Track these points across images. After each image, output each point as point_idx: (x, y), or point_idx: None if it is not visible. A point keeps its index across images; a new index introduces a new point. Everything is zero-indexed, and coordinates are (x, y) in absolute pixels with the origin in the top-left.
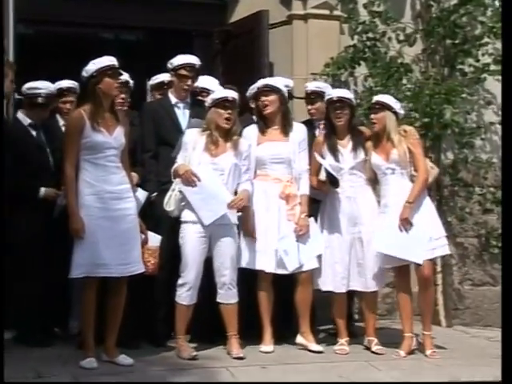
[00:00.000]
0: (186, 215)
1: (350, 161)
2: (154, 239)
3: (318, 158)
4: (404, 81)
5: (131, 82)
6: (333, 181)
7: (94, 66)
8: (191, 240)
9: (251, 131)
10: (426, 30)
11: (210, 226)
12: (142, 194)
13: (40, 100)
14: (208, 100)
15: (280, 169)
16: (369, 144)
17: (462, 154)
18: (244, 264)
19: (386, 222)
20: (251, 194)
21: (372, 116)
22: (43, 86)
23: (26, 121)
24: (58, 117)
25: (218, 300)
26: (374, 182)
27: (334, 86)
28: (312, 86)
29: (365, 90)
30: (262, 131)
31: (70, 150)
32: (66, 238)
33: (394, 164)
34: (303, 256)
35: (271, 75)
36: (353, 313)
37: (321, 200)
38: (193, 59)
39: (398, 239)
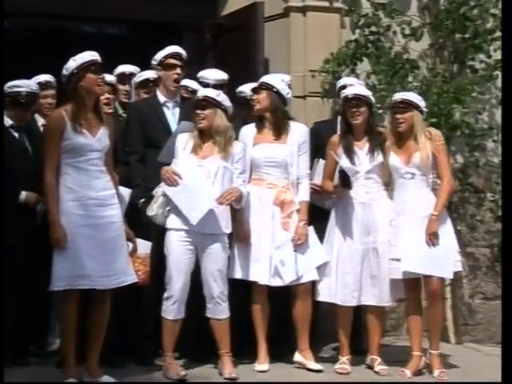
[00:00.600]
0: (170, 221)
1: (367, 164)
2: (144, 246)
3: (336, 157)
4: (410, 78)
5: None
6: (346, 183)
7: (74, 62)
8: (175, 249)
9: (248, 131)
10: (434, 24)
11: (196, 234)
12: (125, 193)
13: (21, 99)
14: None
15: (275, 173)
16: (388, 143)
17: (472, 157)
18: (236, 274)
19: (404, 233)
20: (245, 196)
21: (398, 116)
22: (24, 85)
23: (8, 122)
24: (37, 116)
25: (207, 315)
26: (386, 186)
27: (334, 84)
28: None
29: (368, 88)
30: (259, 130)
31: (50, 154)
32: (48, 247)
33: (414, 168)
34: (301, 267)
35: (266, 72)
36: (361, 328)
37: (324, 207)
38: (178, 49)
39: (425, 255)
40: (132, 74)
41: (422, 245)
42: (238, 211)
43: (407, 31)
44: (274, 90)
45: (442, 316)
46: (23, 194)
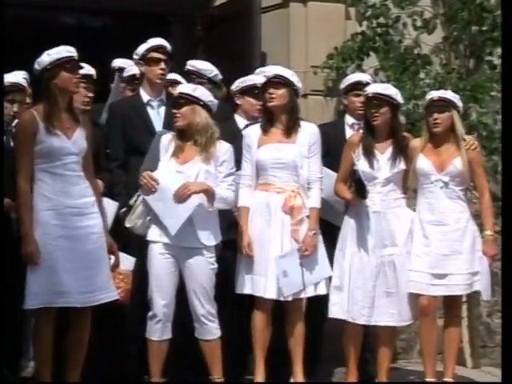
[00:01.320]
0: (151, 233)
1: (387, 170)
2: (127, 262)
3: (355, 159)
4: (421, 75)
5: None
6: (361, 192)
7: (48, 57)
8: (157, 263)
9: (253, 131)
10: (448, 15)
11: (176, 248)
12: (110, 206)
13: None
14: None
15: (283, 176)
16: (416, 144)
17: (490, 161)
18: (242, 289)
19: (440, 247)
20: (220, 196)
21: (436, 115)
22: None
23: None
24: None
25: (196, 335)
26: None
27: (338, 82)
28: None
29: None
30: (265, 131)
31: (23, 159)
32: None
33: (448, 177)
34: (306, 280)
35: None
36: (371, 350)
37: (337, 224)
38: (162, 41)
39: (466, 273)
40: (91, 76)
41: (487, 269)
42: (239, 221)
43: (418, 23)
44: (294, 87)
45: (459, 337)
46: None
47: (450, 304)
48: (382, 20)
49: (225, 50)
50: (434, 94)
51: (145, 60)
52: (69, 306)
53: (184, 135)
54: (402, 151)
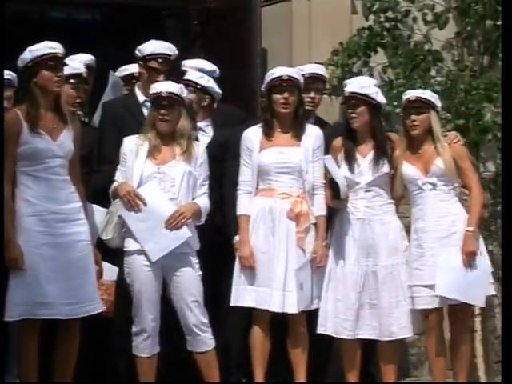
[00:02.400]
0: (130, 244)
1: (369, 174)
2: (110, 272)
3: (328, 163)
4: (433, 72)
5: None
6: (334, 190)
7: (29, 54)
8: (140, 276)
9: (253, 134)
10: (461, 8)
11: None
12: (99, 213)
13: None
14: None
15: (288, 181)
16: (398, 152)
17: None
18: (239, 302)
19: (433, 253)
20: (205, 210)
21: (413, 117)
22: None
23: None
24: None
25: (188, 348)
26: (399, 200)
27: (344, 79)
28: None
29: (383, 83)
30: (268, 134)
31: (6, 161)
32: (2, 270)
33: (435, 178)
34: (314, 292)
35: (264, 64)
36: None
37: None
38: (167, 48)
39: (462, 278)
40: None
41: (457, 266)
42: (239, 229)
43: (429, 17)
44: (301, 87)
45: (471, 352)
46: None
47: (455, 315)
48: (390, 14)
49: (223, 46)
50: (411, 95)
51: (145, 64)
52: (52, 318)
53: (164, 137)
54: (384, 154)
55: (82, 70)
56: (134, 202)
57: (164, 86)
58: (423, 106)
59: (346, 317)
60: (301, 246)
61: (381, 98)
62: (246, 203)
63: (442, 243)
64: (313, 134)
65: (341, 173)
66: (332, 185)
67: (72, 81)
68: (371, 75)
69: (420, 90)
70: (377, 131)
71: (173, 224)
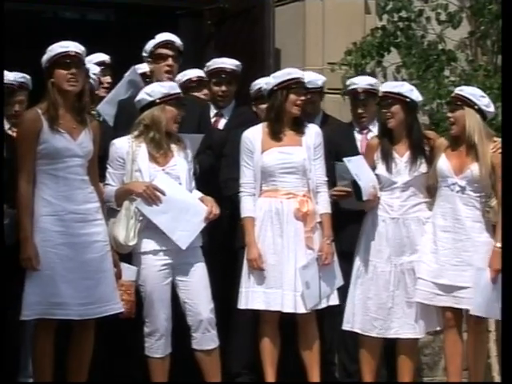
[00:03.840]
0: (145, 244)
1: (406, 174)
2: (129, 272)
3: (350, 165)
4: (446, 72)
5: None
6: (357, 195)
7: (46, 55)
8: (153, 276)
9: (255, 134)
10: (475, 8)
11: (173, 252)
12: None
13: None
14: (152, 93)
15: (293, 181)
16: (440, 143)
17: None
18: (247, 304)
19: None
20: None
21: (449, 114)
22: None
23: None
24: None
25: (194, 346)
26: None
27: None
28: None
29: None
30: (271, 134)
31: (25, 160)
32: (19, 270)
33: (465, 181)
34: (323, 291)
35: (277, 65)
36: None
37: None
38: (171, 36)
39: (488, 296)
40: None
41: (486, 285)
42: (245, 232)
43: (443, 17)
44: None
45: (486, 352)
46: None
47: (470, 317)
48: (403, 14)
49: (236, 46)
50: (455, 91)
51: (153, 57)
52: (67, 319)
53: (166, 136)
54: (421, 152)
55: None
56: (154, 196)
57: (177, 87)
58: (460, 102)
59: (376, 315)
60: (309, 246)
61: (416, 96)
62: (249, 205)
63: (457, 246)
64: (313, 131)
65: (367, 173)
66: (354, 187)
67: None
68: (385, 75)
69: (462, 87)
70: (413, 129)
71: (212, 216)
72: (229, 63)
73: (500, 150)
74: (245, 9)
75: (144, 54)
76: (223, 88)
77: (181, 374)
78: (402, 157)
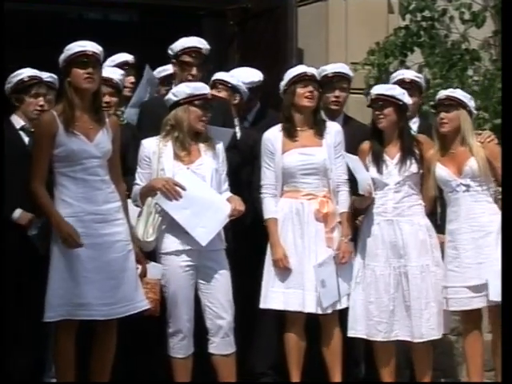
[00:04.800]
0: (166, 244)
1: (397, 175)
2: (154, 270)
3: (348, 160)
4: (470, 72)
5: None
6: (354, 186)
7: (63, 54)
8: (176, 277)
9: (274, 135)
10: (499, 7)
11: (196, 253)
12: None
13: (27, 84)
14: (177, 93)
15: (313, 181)
16: (431, 152)
17: None
18: (268, 304)
19: (473, 255)
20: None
21: (442, 115)
22: (24, 71)
23: (19, 123)
24: (16, 118)
25: (212, 351)
26: (431, 201)
27: (380, 79)
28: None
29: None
30: (289, 134)
31: (39, 162)
32: (43, 272)
33: (468, 179)
34: (341, 290)
35: (300, 65)
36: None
37: None
38: (198, 42)
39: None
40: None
41: (497, 268)
42: (269, 233)
43: (467, 16)
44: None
45: None
46: (17, 212)
47: (496, 315)
48: (427, 13)
49: (259, 45)
50: (442, 94)
51: (177, 61)
52: (90, 319)
53: (192, 136)
54: (412, 154)
55: (115, 75)
56: (173, 191)
57: (206, 88)
58: (453, 104)
59: (380, 319)
60: (330, 246)
61: (407, 99)
62: (271, 206)
63: (479, 243)
64: (332, 130)
65: (363, 171)
66: (352, 181)
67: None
68: None
69: (451, 89)
70: (404, 132)
71: (237, 213)
72: (247, 81)
73: (489, 139)
74: (268, 9)
75: (170, 53)
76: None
77: (201, 374)
78: (392, 159)
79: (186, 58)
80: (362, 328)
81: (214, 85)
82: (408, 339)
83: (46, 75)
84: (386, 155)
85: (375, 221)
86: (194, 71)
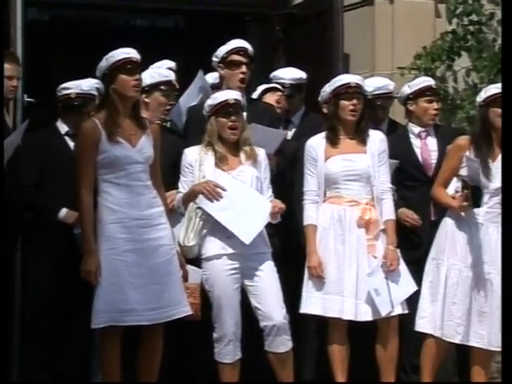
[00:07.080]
0: (208, 249)
1: (498, 180)
2: (194, 274)
3: (470, 161)
4: None
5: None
6: (476, 198)
7: (105, 61)
8: (220, 281)
9: (317, 143)
10: None
11: (241, 257)
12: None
13: (74, 103)
14: (205, 107)
15: (356, 188)
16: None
17: None
18: (306, 309)
19: None
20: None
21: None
22: (73, 86)
23: (64, 129)
24: (61, 123)
25: (266, 348)
26: None
27: None
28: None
29: (467, 87)
30: (332, 142)
31: (85, 170)
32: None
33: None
34: (394, 297)
35: (346, 70)
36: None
37: None
38: (242, 42)
39: None
40: (170, 82)
41: None
42: (307, 239)
43: None
44: (364, 94)
45: None
46: (63, 212)
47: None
48: (474, 17)
49: (305, 51)
50: (492, 89)
51: (225, 63)
52: (136, 324)
53: (229, 144)
54: None
55: (172, 76)
56: (214, 192)
57: (229, 94)
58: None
59: (460, 321)
60: (372, 254)
61: None
62: (312, 213)
63: None
64: (377, 138)
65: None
66: (473, 192)
67: (162, 87)
68: (455, 79)
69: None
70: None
71: (277, 212)
72: (288, 77)
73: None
74: (314, 14)
75: (214, 60)
76: (282, 103)
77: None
78: (494, 162)
79: (235, 57)
80: (438, 327)
81: (267, 89)
82: (479, 346)
83: (93, 82)
84: (489, 158)
85: (465, 222)
86: (244, 68)
